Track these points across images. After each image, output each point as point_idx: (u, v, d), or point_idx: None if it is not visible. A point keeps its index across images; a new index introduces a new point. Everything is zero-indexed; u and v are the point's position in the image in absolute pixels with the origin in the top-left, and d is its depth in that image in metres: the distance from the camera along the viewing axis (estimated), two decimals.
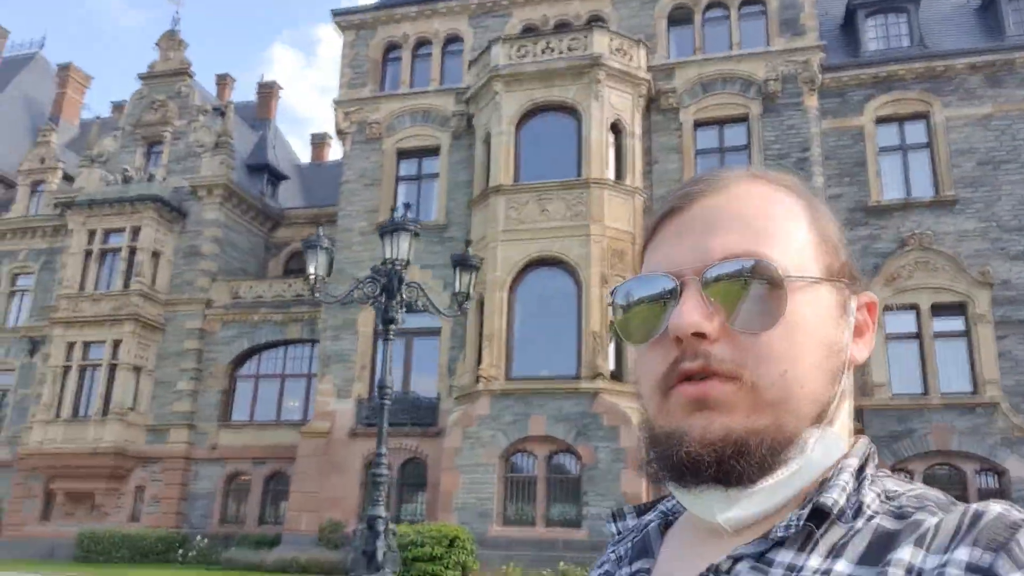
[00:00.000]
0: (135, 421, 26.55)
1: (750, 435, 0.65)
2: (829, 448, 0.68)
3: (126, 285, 27.30)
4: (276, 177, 32.23)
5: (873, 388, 20.47)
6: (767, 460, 0.65)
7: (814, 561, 0.61)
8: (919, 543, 0.59)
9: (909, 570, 0.58)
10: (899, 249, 21.11)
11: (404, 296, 8.32)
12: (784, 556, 0.62)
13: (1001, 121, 21.23)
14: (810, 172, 21.58)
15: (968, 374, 20.11)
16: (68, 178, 31.53)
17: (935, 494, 0.65)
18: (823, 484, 0.66)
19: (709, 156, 23.07)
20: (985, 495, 19.33)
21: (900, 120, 22.19)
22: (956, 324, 20.51)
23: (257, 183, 31.13)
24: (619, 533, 0.83)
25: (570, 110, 22.45)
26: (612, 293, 0.75)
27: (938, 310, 20.60)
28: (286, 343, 27.04)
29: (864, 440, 0.72)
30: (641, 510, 0.84)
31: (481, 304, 21.95)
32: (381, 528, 7.03)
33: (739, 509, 0.67)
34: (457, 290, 8.92)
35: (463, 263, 8.95)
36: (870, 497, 0.65)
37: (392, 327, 8.10)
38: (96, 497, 26.13)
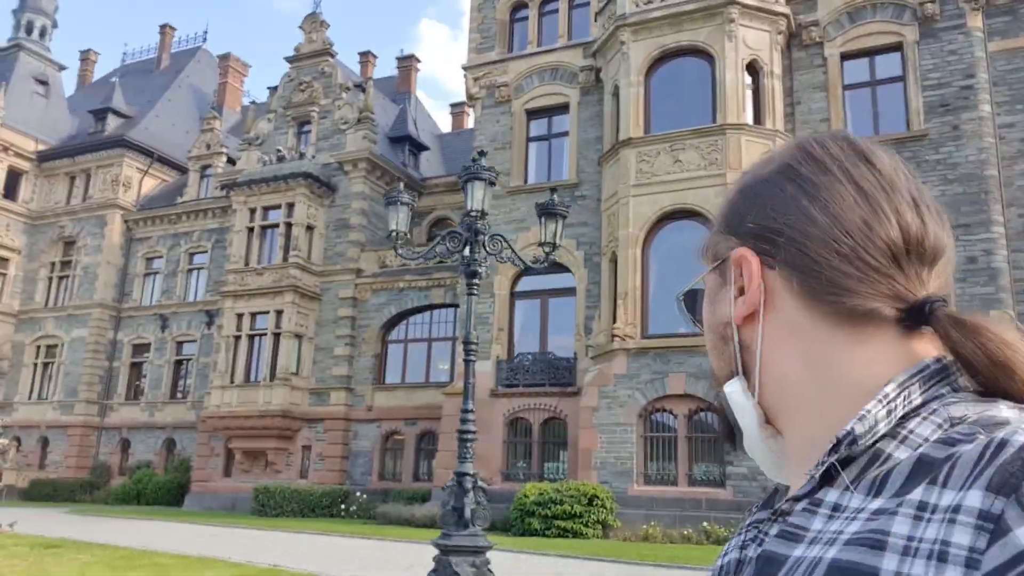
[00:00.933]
0: (299, 385, 28.41)
1: (721, 411, 0.77)
2: (742, 387, 0.74)
3: (285, 258, 29.09)
4: (417, 147, 33.07)
5: None
6: (726, 423, 0.77)
7: (856, 499, 0.61)
8: (934, 479, 0.57)
9: (922, 508, 0.56)
10: None
11: (488, 249, 8.21)
12: (831, 496, 0.63)
13: None
14: (975, 101, 19.42)
15: None
16: (232, 161, 33.90)
17: (1001, 411, 0.61)
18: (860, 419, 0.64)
19: (859, 91, 21.28)
20: None
21: None
22: None
23: (399, 154, 32.09)
24: (775, 490, 0.81)
25: (702, 53, 21.38)
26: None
27: None
28: (431, 308, 27.88)
29: (923, 362, 0.66)
30: None
31: (615, 262, 21.59)
32: (470, 485, 7.05)
33: (760, 460, 0.75)
34: (543, 239, 8.69)
35: (548, 211, 8.70)
36: (929, 429, 0.62)
37: (476, 280, 8.04)
38: (268, 455, 28.30)
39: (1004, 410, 0.61)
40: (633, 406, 20.08)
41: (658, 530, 18.41)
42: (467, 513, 6.99)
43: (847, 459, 0.64)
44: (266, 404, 27.80)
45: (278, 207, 29.72)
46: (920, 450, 0.61)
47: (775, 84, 21.24)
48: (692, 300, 0.85)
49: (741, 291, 0.75)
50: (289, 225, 29.37)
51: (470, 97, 26.62)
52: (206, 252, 33.74)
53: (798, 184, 0.72)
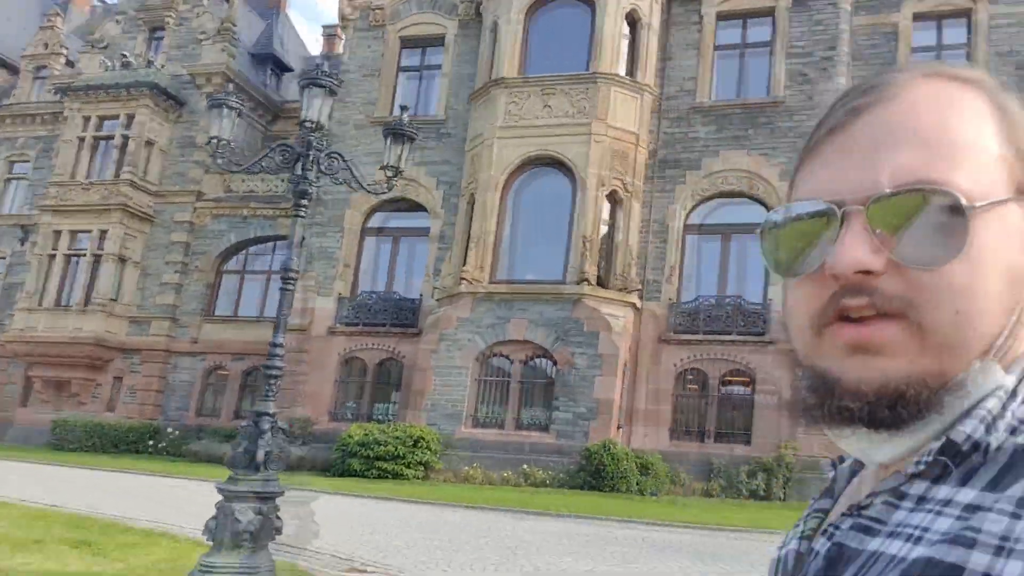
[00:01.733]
0: (117, 312, 25.90)
1: (909, 384, 0.57)
2: (988, 382, 0.58)
3: (117, 174, 26.48)
4: (281, 68, 31.05)
5: None
6: (922, 407, 0.57)
7: (943, 491, 0.55)
8: None
9: (1022, 504, 0.50)
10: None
11: (323, 168, 7.02)
12: (917, 488, 0.57)
13: None
14: (833, 73, 19.68)
15: None
16: (71, 64, 30.71)
17: None
18: (968, 411, 0.57)
19: (729, 53, 21.24)
20: None
21: (939, 18, 20.07)
22: None
23: (260, 74, 29.99)
24: (834, 479, 0.74)
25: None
26: (762, 224, 0.65)
27: None
28: (276, 239, 26.01)
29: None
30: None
31: (473, 204, 20.65)
32: (267, 426, 5.90)
33: (888, 449, 0.60)
34: (386, 163, 7.60)
35: (396, 132, 7.60)
36: (1023, 408, 0.56)
37: (304, 201, 6.88)
38: (73, 385, 25.61)
39: None
40: (472, 349, 19.20)
41: (479, 472, 17.63)
42: (260, 456, 5.89)
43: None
44: (76, 331, 25.14)
45: (116, 117, 27.05)
46: (1020, 438, 0.54)
47: (651, 38, 20.92)
48: (943, 202, 0.57)
49: None
50: (126, 139, 26.77)
51: (343, 18, 25.06)
52: (29, 161, 30.41)
53: None
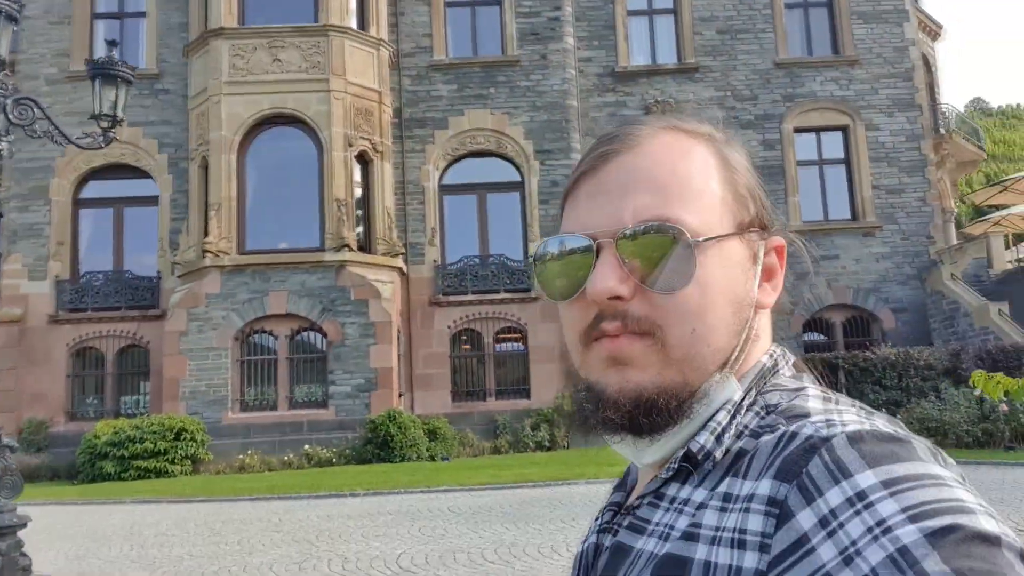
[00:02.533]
0: None
1: (659, 393, 0.67)
2: (724, 392, 0.69)
3: None
4: None
5: None
6: (673, 414, 0.67)
7: (686, 492, 0.66)
8: (736, 471, 0.62)
9: (727, 499, 0.60)
10: (644, 115, 21.24)
11: (12, 117, 5.94)
12: (671, 490, 0.67)
13: None
14: (561, 33, 20.85)
15: None
16: None
17: (806, 402, 0.65)
18: (706, 424, 0.68)
19: (459, 9, 21.45)
20: None
21: None
22: None
23: None
24: (627, 472, 0.84)
25: None
26: (534, 252, 0.76)
27: None
28: None
29: (764, 358, 0.72)
30: None
31: (206, 168, 19.11)
32: None
33: (652, 452, 0.71)
34: (99, 111, 6.65)
35: (104, 72, 6.65)
36: (749, 417, 0.67)
37: None
38: None
39: (810, 400, 0.65)
40: (228, 328, 18.20)
41: (256, 459, 17.12)
42: None
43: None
44: None
45: None
46: (738, 443, 0.65)
47: None
48: (675, 237, 0.69)
49: (767, 276, 0.73)
50: None
51: None
52: None
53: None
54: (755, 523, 0.57)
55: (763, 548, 0.56)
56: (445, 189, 20.57)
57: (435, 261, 19.88)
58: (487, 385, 19.30)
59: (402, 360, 18.87)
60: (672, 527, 0.64)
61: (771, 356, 0.73)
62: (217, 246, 18.44)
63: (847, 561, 0.51)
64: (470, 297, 19.46)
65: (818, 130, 21.28)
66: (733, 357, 0.70)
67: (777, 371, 0.72)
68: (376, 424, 16.88)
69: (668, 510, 0.66)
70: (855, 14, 21.55)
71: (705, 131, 0.77)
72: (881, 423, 0.61)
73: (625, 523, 0.71)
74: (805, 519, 0.55)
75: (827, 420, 0.61)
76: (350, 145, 19.14)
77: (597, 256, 0.69)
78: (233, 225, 18.72)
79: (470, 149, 20.50)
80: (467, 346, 19.68)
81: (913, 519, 0.51)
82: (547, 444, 17.80)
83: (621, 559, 0.67)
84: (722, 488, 0.62)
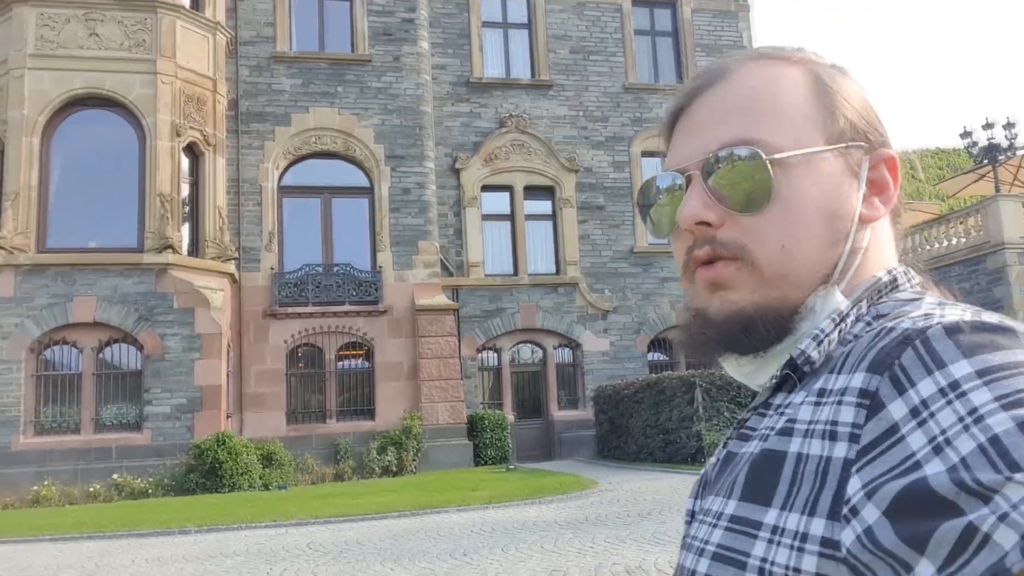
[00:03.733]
0: None
1: (757, 310, 0.68)
2: (830, 305, 0.69)
3: None
4: None
5: (469, 268, 20.18)
6: (773, 331, 0.69)
7: (786, 399, 0.67)
8: (832, 368, 0.63)
9: (821, 394, 0.61)
10: (498, 129, 20.86)
11: None
12: (778, 399, 0.68)
13: (593, 11, 21.97)
14: (415, 36, 20.01)
15: (553, 255, 20.92)
16: None
17: (918, 308, 0.64)
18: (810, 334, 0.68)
19: (307, 1, 20.02)
20: (563, 367, 20.54)
21: None
22: (545, 207, 21.10)
23: None
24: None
25: None
26: (637, 194, 0.79)
27: (530, 192, 20.94)
28: None
29: (880, 274, 0.71)
30: None
31: (3, 152, 16.38)
32: None
33: (764, 373, 0.72)
34: None
35: None
36: (860, 327, 0.67)
37: None
38: None
39: (923, 306, 0.64)
40: (22, 338, 15.60)
41: (55, 490, 14.70)
42: None
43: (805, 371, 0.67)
44: None
45: None
46: (841, 349, 0.65)
47: None
48: (756, 157, 0.69)
49: (877, 190, 0.72)
50: None
51: None
52: None
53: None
54: (847, 415, 0.57)
55: (853, 439, 0.56)
56: (286, 191, 18.96)
57: (272, 268, 18.19)
58: (328, 405, 17.82)
59: (231, 377, 17.00)
60: (773, 428, 0.65)
61: (890, 272, 0.71)
62: (11, 241, 15.83)
63: (937, 450, 0.51)
64: (311, 309, 17.95)
65: (663, 155, 21.74)
66: (837, 270, 0.69)
67: (897, 286, 0.70)
68: (202, 449, 14.96)
69: (770, 416, 0.67)
70: (698, 46, 22.42)
71: (798, 56, 0.75)
72: (987, 315, 0.59)
73: (734, 435, 0.72)
74: (896, 409, 0.54)
75: (926, 314, 0.60)
76: (178, 135, 17.15)
77: (687, 187, 0.71)
78: (32, 218, 16.15)
79: (315, 149, 19.06)
80: (304, 364, 18.07)
81: (1007, 407, 0.50)
82: (395, 469, 16.62)
83: (728, 465, 0.69)
84: (818, 384, 0.63)
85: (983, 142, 16.38)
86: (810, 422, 0.61)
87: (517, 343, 20.45)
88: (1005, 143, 16.12)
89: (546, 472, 15.29)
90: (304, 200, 19.05)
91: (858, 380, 0.58)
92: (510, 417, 18.98)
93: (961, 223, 16.30)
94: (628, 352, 20.62)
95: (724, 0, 22.91)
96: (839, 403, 0.59)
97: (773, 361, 0.70)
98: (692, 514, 0.74)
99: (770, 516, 0.60)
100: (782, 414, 0.65)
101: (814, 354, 0.66)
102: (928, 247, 17.16)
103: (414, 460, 16.98)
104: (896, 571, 0.50)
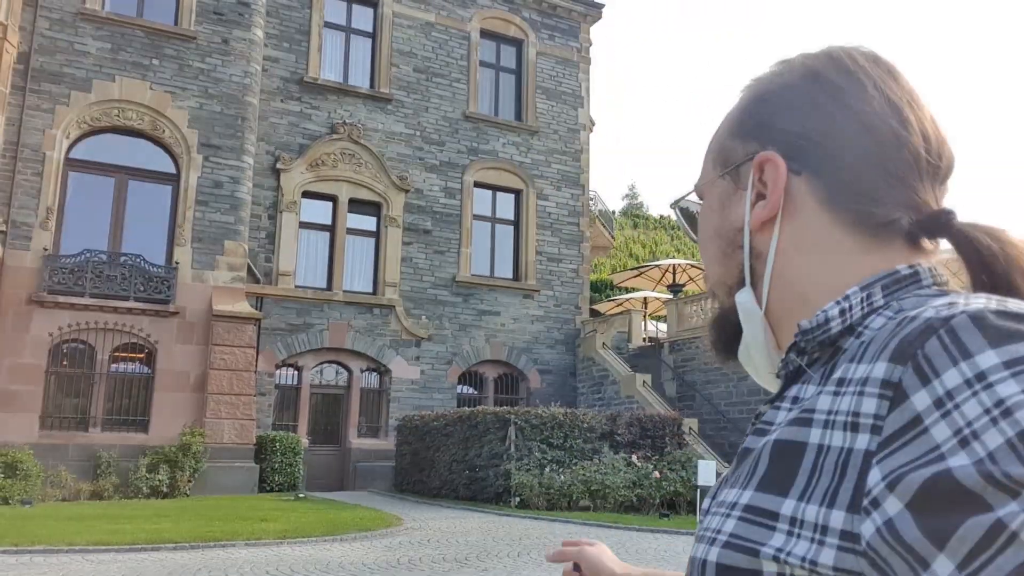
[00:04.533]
0: None
1: (716, 318, 0.78)
2: (753, 298, 0.73)
3: None
4: None
5: (278, 277, 18.67)
6: (724, 332, 0.76)
7: (807, 392, 0.65)
8: (852, 357, 0.61)
9: (840, 383, 0.59)
10: (329, 135, 19.68)
11: None
12: (792, 391, 0.67)
13: (442, 34, 21.51)
14: (249, 23, 18.51)
15: (372, 274, 19.90)
16: None
17: (947, 300, 0.60)
18: (815, 323, 0.67)
19: None
20: (368, 393, 19.42)
21: (351, 1, 20.72)
22: (369, 223, 20.09)
23: None
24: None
25: None
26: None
27: (355, 206, 19.87)
28: None
29: (883, 270, 0.68)
30: None
31: None
32: None
33: (754, 368, 0.76)
34: None
35: None
36: (880, 321, 0.64)
37: None
38: None
39: (960, 302, 0.59)
40: None
41: None
42: None
43: (814, 359, 0.67)
44: None
45: None
46: (862, 338, 0.63)
47: None
48: (689, 212, 0.84)
49: (759, 196, 0.73)
50: None
51: None
52: None
53: (828, 91, 0.71)
54: (868, 405, 0.55)
55: (875, 430, 0.54)
56: (74, 164, 16.60)
57: (45, 249, 15.73)
58: (92, 412, 15.51)
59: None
60: (783, 421, 0.64)
61: (911, 266, 0.67)
62: None
63: (963, 443, 0.49)
64: (87, 300, 15.66)
65: (495, 188, 21.61)
66: (742, 273, 0.73)
67: (919, 281, 0.67)
68: None
69: (786, 408, 0.66)
70: (540, 88, 22.60)
71: (749, 83, 0.77)
72: (1013, 302, 0.57)
73: (751, 431, 0.71)
74: (919, 400, 0.53)
75: (950, 303, 0.58)
76: None
77: None
78: None
79: (116, 123, 16.89)
80: (67, 363, 15.66)
81: None
82: (165, 490, 14.65)
83: (745, 460, 0.67)
84: (836, 374, 0.60)
85: None
86: (829, 412, 0.58)
87: (321, 362, 19.11)
88: None
89: (341, 504, 14.10)
90: (95, 177, 16.78)
91: (880, 370, 0.56)
92: (304, 441, 17.58)
93: None
94: (438, 382, 19.93)
95: (568, 50, 23.34)
96: (860, 393, 0.56)
97: (753, 357, 0.75)
98: (707, 512, 0.70)
99: (787, 507, 0.58)
100: (790, 409, 0.64)
101: (808, 326, 0.65)
102: None
103: (189, 481, 15.13)
104: (913, 568, 0.49)
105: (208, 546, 9.05)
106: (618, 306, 27.84)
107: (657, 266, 24.80)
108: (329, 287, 19.29)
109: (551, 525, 12.05)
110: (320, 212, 19.56)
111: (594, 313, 25.06)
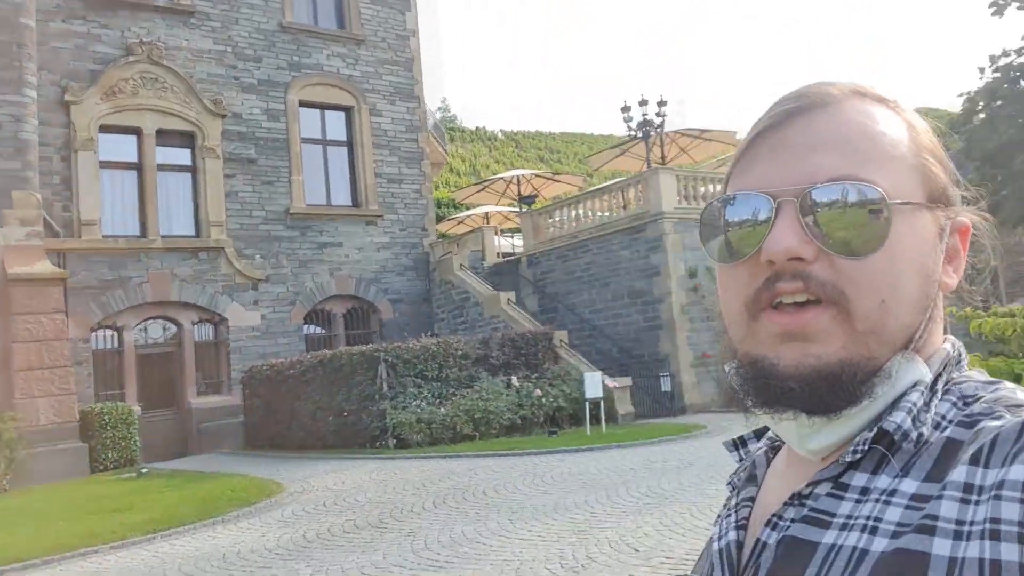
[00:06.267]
0: None
1: (843, 367, 0.62)
2: (912, 372, 0.65)
3: None
4: None
5: (81, 227, 16.10)
6: (856, 391, 0.63)
7: (883, 482, 0.61)
8: (975, 459, 0.57)
9: (968, 489, 0.56)
10: (124, 57, 16.92)
11: None
12: (858, 480, 0.62)
13: None
14: None
15: (192, 215, 17.67)
16: None
17: (1015, 394, 0.62)
18: (894, 404, 0.64)
19: None
20: (204, 347, 17.52)
21: None
22: (183, 156, 17.71)
23: None
24: (740, 460, 0.80)
25: None
26: (703, 210, 0.70)
27: (164, 138, 17.39)
28: None
29: (947, 346, 0.69)
30: (760, 434, 0.80)
31: None
32: None
33: (822, 437, 0.65)
34: None
35: None
36: (945, 407, 0.63)
37: None
38: None
39: (1018, 392, 0.62)
40: None
41: None
42: None
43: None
44: None
45: None
46: (946, 432, 0.61)
47: None
48: (868, 197, 0.64)
49: (949, 258, 0.69)
50: None
51: None
52: None
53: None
54: (1010, 512, 0.52)
55: (1022, 539, 0.51)
56: None
57: None
58: None
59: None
60: (880, 519, 0.58)
61: (953, 345, 0.69)
62: None
63: None
64: None
65: (323, 107, 19.73)
66: (917, 336, 0.65)
67: (961, 362, 0.67)
68: None
69: (863, 501, 0.60)
70: None
71: (894, 98, 0.72)
72: None
73: (791, 514, 0.64)
74: None
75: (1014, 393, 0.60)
76: None
77: (777, 214, 0.64)
78: None
79: None
80: None
81: None
82: None
83: (803, 554, 0.60)
84: (958, 477, 0.56)
85: (639, 118, 17.52)
86: (959, 521, 0.54)
87: (145, 320, 16.93)
88: (657, 120, 17.37)
89: (199, 475, 12.53)
90: None
91: (1018, 473, 0.53)
92: (136, 409, 15.61)
93: (623, 193, 17.12)
94: (282, 326, 18.33)
95: None
96: (997, 498, 0.53)
97: (840, 425, 0.64)
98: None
99: None
100: (887, 503, 0.59)
101: (911, 431, 0.60)
102: (589, 217, 17.80)
103: (7, 474, 12.97)
104: None
105: (65, 557, 7.46)
106: (459, 223, 26.99)
107: (502, 178, 24.02)
108: (144, 234, 16.94)
109: (443, 463, 11.34)
110: (123, 148, 16.95)
111: (439, 235, 24.08)
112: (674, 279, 15.75)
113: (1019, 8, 24.84)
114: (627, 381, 15.01)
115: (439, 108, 65.02)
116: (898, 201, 0.63)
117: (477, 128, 51.89)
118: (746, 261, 0.65)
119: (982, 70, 25.83)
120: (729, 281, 0.67)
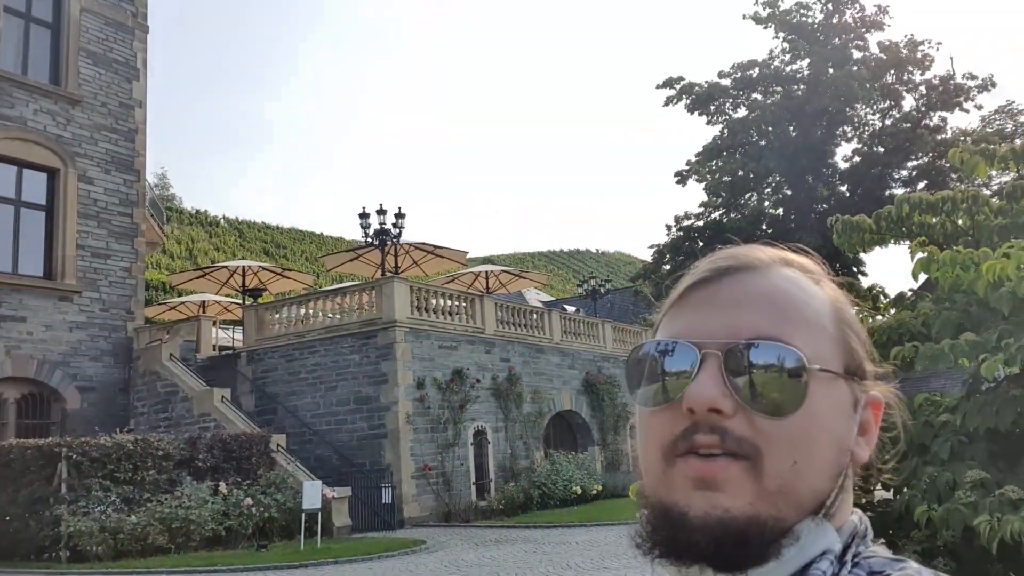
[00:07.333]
0: None
1: (750, 524, 0.62)
2: (821, 539, 0.65)
3: None
4: None
5: None
6: (764, 551, 0.63)
7: None
8: None
9: None
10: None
11: None
12: None
13: None
14: None
15: None
16: None
17: (920, 574, 0.62)
18: (803, 571, 0.64)
19: None
20: None
21: None
22: None
23: None
24: None
25: None
26: (630, 352, 0.71)
27: None
28: None
29: (854, 519, 0.70)
30: None
31: None
32: None
33: None
34: None
35: None
36: None
37: None
38: None
39: (923, 572, 0.63)
40: None
41: None
42: None
43: None
44: None
45: None
46: None
47: None
48: (789, 359, 0.65)
49: (863, 430, 0.70)
50: None
51: None
52: None
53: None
54: None
55: None
56: None
57: None
58: None
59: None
60: None
61: (860, 519, 0.69)
62: None
63: None
64: None
65: (22, 164, 17.39)
66: (828, 503, 0.66)
67: (867, 535, 0.69)
68: None
69: None
70: (84, 51, 18.87)
71: (818, 272, 0.74)
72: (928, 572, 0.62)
73: None
74: None
75: (918, 571, 0.61)
76: None
77: (701, 365, 0.65)
78: None
79: None
80: None
81: None
82: None
83: None
84: None
85: (376, 225, 17.51)
86: None
87: None
88: (395, 231, 17.50)
89: None
90: None
91: None
92: None
93: (357, 297, 16.85)
94: None
95: (120, 12, 19.97)
96: None
97: None
98: None
99: None
100: None
101: None
102: (320, 317, 17.24)
103: None
104: None
105: None
106: (171, 309, 24.78)
107: (226, 267, 22.56)
108: None
109: None
110: None
111: (147, 320, 21.86)
112: (402, 388, 15.67)
113: (697, 181, 29.75)
114: (347, 491, 14.40)
115: (156, 184, 60.83)
116: (817, 367, 0.65)
117: (198, 211, 49.16)
118: (667, 407, 0.66)
119: (669, 228, 30.14)
120: (649, 426, 0.67)
